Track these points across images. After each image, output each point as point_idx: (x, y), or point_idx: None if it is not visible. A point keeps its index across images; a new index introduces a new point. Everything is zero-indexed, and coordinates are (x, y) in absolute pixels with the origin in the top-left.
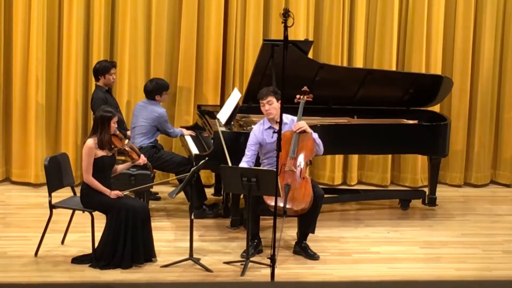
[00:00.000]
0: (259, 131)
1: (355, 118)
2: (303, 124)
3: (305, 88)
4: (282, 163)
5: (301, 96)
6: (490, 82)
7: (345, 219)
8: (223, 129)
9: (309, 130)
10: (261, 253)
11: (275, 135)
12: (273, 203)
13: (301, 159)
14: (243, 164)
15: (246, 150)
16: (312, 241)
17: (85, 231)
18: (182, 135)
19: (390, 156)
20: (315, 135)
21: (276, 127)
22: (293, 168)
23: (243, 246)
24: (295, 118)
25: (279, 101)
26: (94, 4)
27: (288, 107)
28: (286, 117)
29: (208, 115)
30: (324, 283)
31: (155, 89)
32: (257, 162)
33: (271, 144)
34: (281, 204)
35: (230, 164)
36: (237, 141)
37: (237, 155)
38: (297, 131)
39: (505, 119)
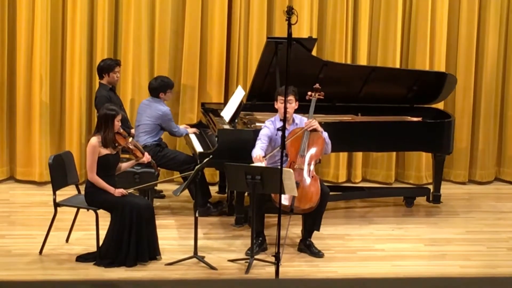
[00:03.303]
0: (273, 128)
1: (359, 116)
2: (315, 123)
3: (317, 85)
4: (291, 160)
5: (313, 94)
6: (494, 79)
7: (349, 216)
8: (227, 126)
9: (320, 128)
10: (266, 251)
11: (279, 132)
12: (281, 201)
13: (311, 158)
14: (257, 148)
15: (259, 139)
16: (316, 239)
17: (89, 229)
18: (187, 134)
19: (394, 153)
20: (325, 134)
21: (290, 127)
22: (302, 166)
23: (247, 244)
24: (304, 118)
25: (297, 102)
26: (98, 2)
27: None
28: (298, 118)
29: (212, 113)
30: (328, 281)
31: (160, 87)
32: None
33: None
34: (289, 202)
35: None
36: (241, 139)
37: (241, 153)
38: (309, 129)
39: (509, 116)
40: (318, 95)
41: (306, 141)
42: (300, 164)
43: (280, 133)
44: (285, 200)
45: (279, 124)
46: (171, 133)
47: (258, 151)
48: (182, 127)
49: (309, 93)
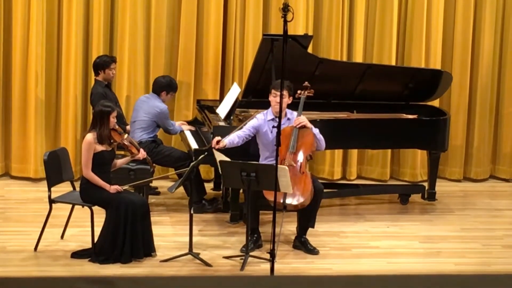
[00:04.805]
0: (263, 120)
1: (354, 113)
2: (303, 119)
3: (306, 83)
4: (282, 158)
5: (302, 91)
6: (489, 77)
7: (344, 213)
8: (222, 123)
9: (309, 125)
10: (261, 248)
11: (274, 130)
12: (273, 198)
13: (300, 154)
14: (232, 134)
15: (243, 126)
16: (311, 236)
17: (84, 225)
18: (182, 131)
19: (389, 150)
20: (316, 131)
21: (281, 120)
22: (292, 163)
23: (242, 241)
24: (296, 113)
25: (290, 97)
26: None
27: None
28: (290, 113)
29: (207, 109)
30: (323, 278)
31: (166, 85)
32: (257, 158)
33: (270, 136)
34: (281, 199)
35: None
36: None
37: (236, 149)
38: (297, 126)
39: (505, 113)
40: (308, 92)
41: (295, 138)
42: (290, 161)
43: (275, 130)
44: (278, 197)
45: (270, 117)
46: (166, 131)
47: (231, 136)
48: (178, 123)
49: (299, 91)
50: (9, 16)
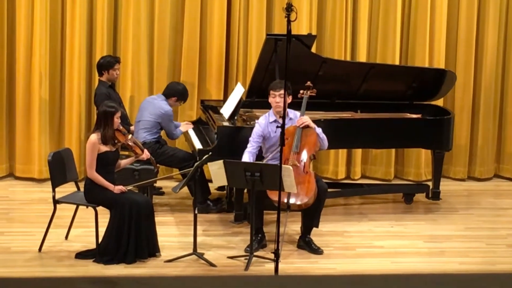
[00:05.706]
0: (265, 124)
1: (358, 113)
2: (306, 119)
3: (308, 83)
4: (285, 158)
5: (305, 91)
6: (493, 76)
7: (348, 213)
8: (226, 123)
9: (312, 125)
10: (265, 248)
11: (279, 130)
12: (277, 198)
13: (304, 154)
14: (246, 154)
15: (251, 140)
16: (315, 236)
17: (89, 226)
18: (186, 131)
19: (393, 150)
20: (319, 130)
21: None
22: (296, 163)
23: (247, 241)
24: (298, 113)
25: (290, 96)
26: None
27: (291, 101)
28: (292, 113)
29: (211, 110)
30: (327, 277)
31: (180, 93)
32: (260, 157)
33: (274, 138)
34: (285, 199)
35: None
36: (240, 136)
37: (240, 150)
38: (300, 126)
39: (509, 112)
40: (310, 92)
41: (298, 137)
42: (293, 161)
43: (279, 130)
44: (282, 197)
45: (272, 119)
46: (169, 134)
47: (245, 159)
48: (183, 123)
49: (301, 91)
50: (12, 16)
